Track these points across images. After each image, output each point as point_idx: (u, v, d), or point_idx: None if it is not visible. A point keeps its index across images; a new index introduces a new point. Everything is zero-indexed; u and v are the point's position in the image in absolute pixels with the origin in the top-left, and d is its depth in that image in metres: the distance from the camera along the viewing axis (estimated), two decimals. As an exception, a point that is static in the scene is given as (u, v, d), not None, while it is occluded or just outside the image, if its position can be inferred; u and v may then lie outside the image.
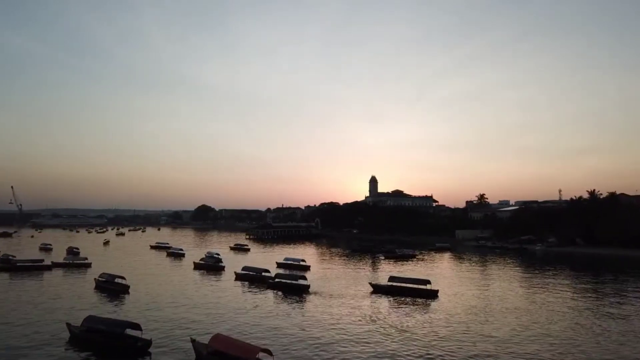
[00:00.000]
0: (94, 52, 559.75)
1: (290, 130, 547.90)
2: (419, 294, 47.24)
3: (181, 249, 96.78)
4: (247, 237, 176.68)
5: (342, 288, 52.28)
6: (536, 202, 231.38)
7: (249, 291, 51.38)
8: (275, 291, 50.61)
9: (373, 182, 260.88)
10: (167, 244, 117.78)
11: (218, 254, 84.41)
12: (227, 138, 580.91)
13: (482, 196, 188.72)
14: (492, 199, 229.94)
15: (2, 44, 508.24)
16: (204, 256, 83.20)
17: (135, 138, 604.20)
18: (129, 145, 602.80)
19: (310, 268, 71.31)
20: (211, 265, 71.18)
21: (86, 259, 75.01)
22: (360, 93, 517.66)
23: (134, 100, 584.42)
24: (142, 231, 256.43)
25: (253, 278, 58.20)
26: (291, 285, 50.63)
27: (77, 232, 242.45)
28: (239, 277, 60.56)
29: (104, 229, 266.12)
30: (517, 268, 76.79)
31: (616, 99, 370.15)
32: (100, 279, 52.22)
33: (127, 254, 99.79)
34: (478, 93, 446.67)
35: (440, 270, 73.08)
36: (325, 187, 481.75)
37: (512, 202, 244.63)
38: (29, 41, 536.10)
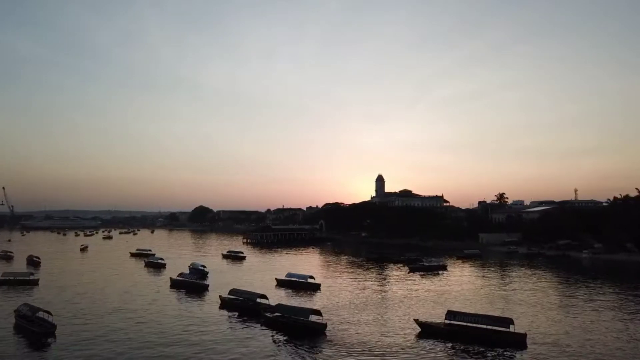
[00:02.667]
0: (92, 53, 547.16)
1: (290, 131, 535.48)
2: (496, 339, 30.83)
3: (162, 259, 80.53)
4: (245, 241, 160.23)
5: (373, 327, 35.75)
6: (553, 201, 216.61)
7: (234, 332, 34.98)
8: (273, 331, 34.30)
9: (380, 181, 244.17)
10: (149, 250, 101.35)
11: (204, 267, 68.03)
12: (226, 138, 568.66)
13: (502, 195, 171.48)
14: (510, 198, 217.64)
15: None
16: (187, 269, 67.38)
17: (134, 139, 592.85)
18: (127, 147, 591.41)
19: (320, 287, 54.79)
20: (192, 284, 54.71)
21: (32, 274, 58.75)
22: (361, 93, 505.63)
23: (133, 101, 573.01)
24: (134, 234, 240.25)
25: (244, 307, 41.89)
26: (298, 324, 34.21)
27: (64, 235, 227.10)
28: (224, 303, 44.26)
29: (93, 232, 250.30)
30: (591, 284, 60.10)
31: (617, 100, 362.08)
32: (19, 313, 35.93)
33: (99, 264, 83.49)
34: (479, 94, 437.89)
35: (488, 288, 56.58)
36: (326, 188, 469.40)
37: (527, 202, 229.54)
38: (26, 41, 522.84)
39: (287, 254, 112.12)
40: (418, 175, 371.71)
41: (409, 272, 71.23)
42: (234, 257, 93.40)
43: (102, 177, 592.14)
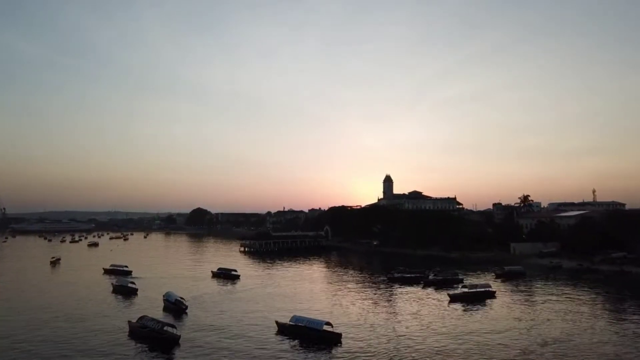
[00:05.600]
0: (92, 53, 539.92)
1: (290, 132, 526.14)
2: None
3: (133, 282, 64.24)
4: (242, 249, 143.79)
5: None
6: (573, 203, 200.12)
7: None
8: None
9: (388, 182, 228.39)
10: (125, 267, 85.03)
11: (182, 299, 51.44)
12: (226, 139, 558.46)
13: (526, 198, 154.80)
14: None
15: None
16: (170, 294, 51.90)
17: (134, 140, 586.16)
18: (126, 147, 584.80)
19: (341, 339, 38.29)
20: (156, 334, 38.20)
21: None
22: (361, 94, 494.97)
23: (132, 102, 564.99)
24: (124, 239, 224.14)
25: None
26: None
27: (50, 241, 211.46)
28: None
29: (82, 237, 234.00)
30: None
31: (619, 100, 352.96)
32: None
33: (58, 288, 67.41)
34: (480, 94, 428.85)
35: (609, 344, 40.07)
36: (328, 189, 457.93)
37: (544, 204, 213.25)
38: (25, 42, 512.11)
39: (289, 268, 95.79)
40: (420, 176, 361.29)
41: (449, 303, 54.81)
42: (226, 276, 77.04)
43: (101, 178, 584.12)
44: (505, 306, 53.23)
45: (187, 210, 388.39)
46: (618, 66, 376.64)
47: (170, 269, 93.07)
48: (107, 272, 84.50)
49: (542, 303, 55.36)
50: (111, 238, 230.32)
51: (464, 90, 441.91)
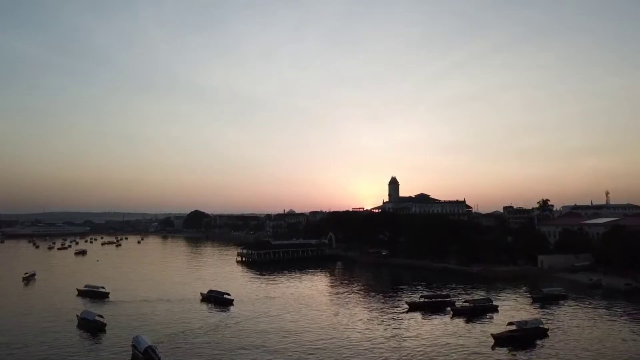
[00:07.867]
0: (90, 54, 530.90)
1: (290, 132, 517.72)
2: None
3: (101, 316, 52.64)
4: (239, 259, 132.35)
5: None
6: (588, 206, 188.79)
7: None
8: None
9: (393, 184, 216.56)
10: (102, 288, 73.53)
11: (154, 348, 39.96)
12: (225, 140, 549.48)
13: (545, 202, 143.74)
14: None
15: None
16: (140, 332, 40.60)
17: (132, 141, 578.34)
18: (125, 148, 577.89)
19: None
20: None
21: None
22: (361, 94, 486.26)
23: (131, 103, 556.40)
24: (117, 245, 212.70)
25: None
26: None
27: (38, 247, 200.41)
28: None
29: (74, 241, 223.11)
30: None
31: (619, 100, 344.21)
32: None
33: (15, 315, 56.17)
34: (480, 94, 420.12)
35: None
36: (328, 190, 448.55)
37: (556, 207, 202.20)
38: (24, 42, 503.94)
39: (290, 286, 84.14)
40: (420, 176, 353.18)
41: (494, 346, 43.56)
42: (217, 301, 65.66)
43: (99, 178, 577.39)
44: (567, 350, 41.85)
45: (186, 211, 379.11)
46: (618, 66, 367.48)
47: (156, 287, 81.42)
48: (81, 293, 73.13)
49: (611, 338, 44.07)
50: (103, 244, 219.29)
51: (464, 90, 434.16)
